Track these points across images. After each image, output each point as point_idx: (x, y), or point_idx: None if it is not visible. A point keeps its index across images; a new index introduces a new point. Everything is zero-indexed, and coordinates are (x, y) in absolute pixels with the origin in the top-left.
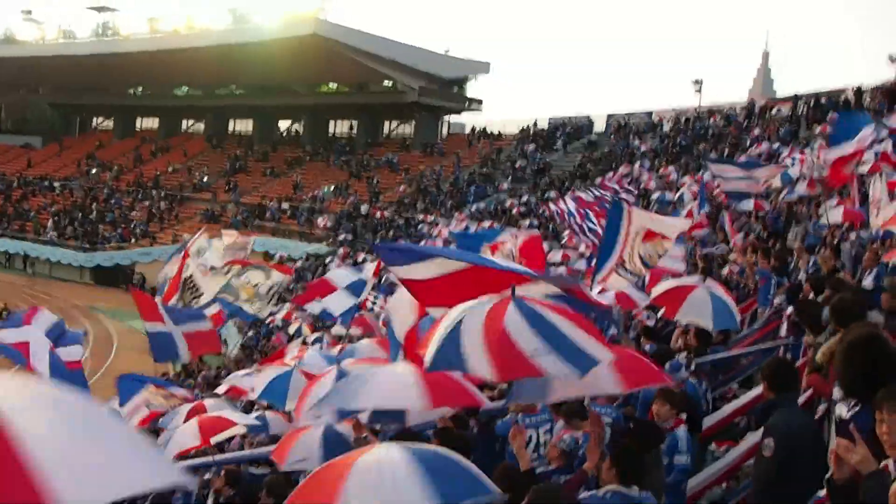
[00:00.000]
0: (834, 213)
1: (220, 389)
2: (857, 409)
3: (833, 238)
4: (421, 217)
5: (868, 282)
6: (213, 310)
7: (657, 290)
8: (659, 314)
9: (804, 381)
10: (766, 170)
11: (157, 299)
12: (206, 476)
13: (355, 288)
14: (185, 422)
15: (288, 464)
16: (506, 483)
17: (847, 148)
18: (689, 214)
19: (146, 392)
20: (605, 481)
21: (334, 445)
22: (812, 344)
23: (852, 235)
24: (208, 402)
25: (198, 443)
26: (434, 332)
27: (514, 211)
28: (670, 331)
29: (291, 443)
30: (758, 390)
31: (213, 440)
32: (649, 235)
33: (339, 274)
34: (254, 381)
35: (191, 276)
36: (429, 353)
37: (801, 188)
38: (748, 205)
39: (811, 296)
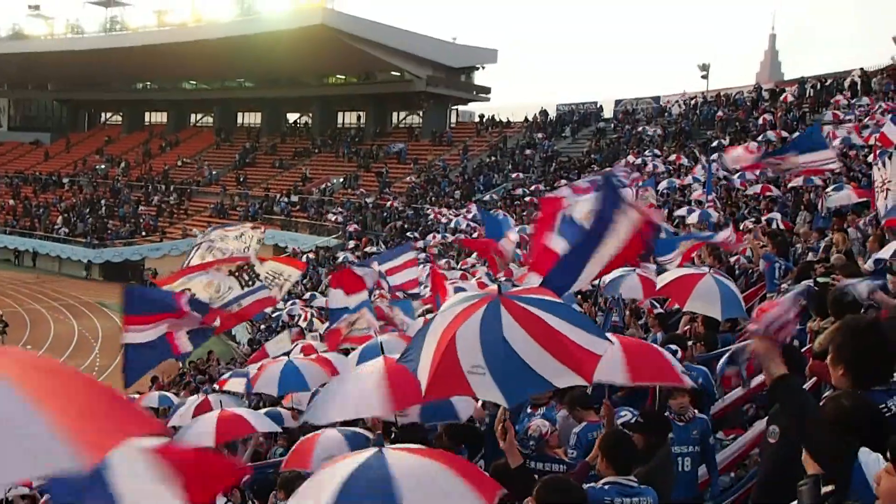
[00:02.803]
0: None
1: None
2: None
3: (844, 222)
4: (429, 208)
5: (869, 264)
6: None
7: (664, 279)
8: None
9: (807, 368)
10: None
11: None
12: None
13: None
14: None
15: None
16: (502, 479)
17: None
18: (698, 197)
19: None
20: (604, 473)
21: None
22: (816, 329)
23: (860, 220)
24: (212, 398)
25: (211, 443)
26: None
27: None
28: (678, 319)
29: (311, 447)
30: (762, 377)
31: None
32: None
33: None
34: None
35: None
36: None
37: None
38: (755, 188)
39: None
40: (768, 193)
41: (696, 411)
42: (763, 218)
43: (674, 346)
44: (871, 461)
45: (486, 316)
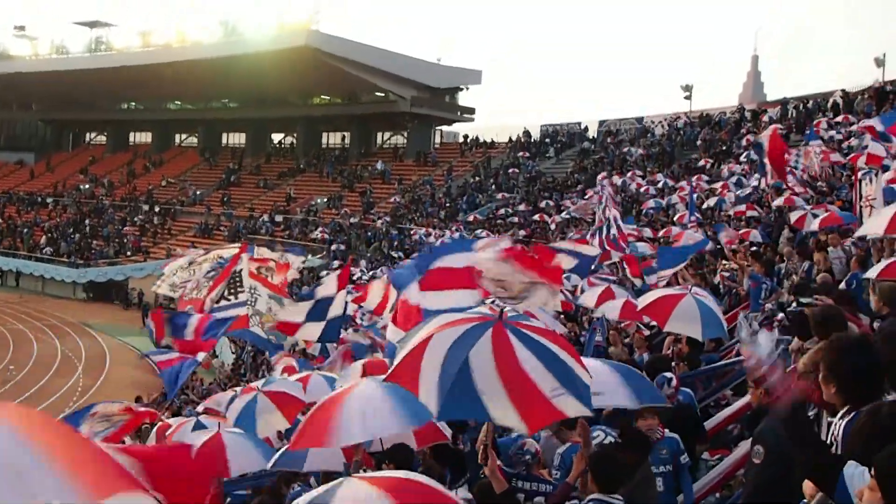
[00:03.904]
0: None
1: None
2: (851, 415)
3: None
4: (414, 228)
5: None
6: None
7: (644, 300)
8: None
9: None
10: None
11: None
12: None
13: (318, 312)
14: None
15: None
16: (487, 501)
17: None
18: (681, 219)
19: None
20: (589, 490)
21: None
22: (798, 350)
23: (846, 241)
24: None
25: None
26: (417, 363)
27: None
28: (662, 339)
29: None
30: (748, 397)
31: None
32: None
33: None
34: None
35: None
36: (433, 400)
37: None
38: (739, 208)
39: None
40: (751, 213)
41: (665, 431)
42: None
43: (668, 374)
44: (855, 474)
45: (523, 341)
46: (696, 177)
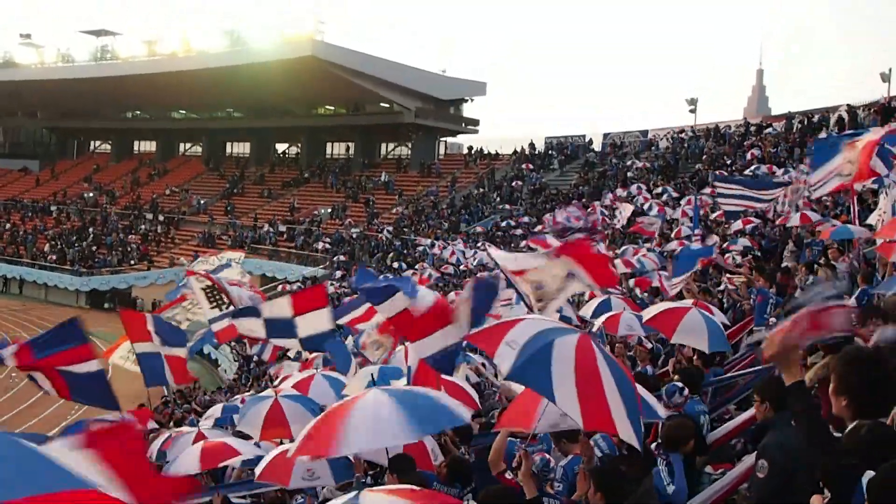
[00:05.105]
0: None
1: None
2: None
3: (830, 256)
4: (417, 239)
5: (852, 301)
6: (223, 324)
7: (649, 312)
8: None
9: None
10: (777, 191)
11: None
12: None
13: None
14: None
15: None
16: None
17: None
18: (678, 234)
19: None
20: None
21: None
22: (806, 364)
23: (844, 257)
24: (206, 430)
25: (197, 469)
26: (503, 332)
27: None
28: (665, 353)
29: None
30: (752, 411)
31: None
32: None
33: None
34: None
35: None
36: (508, 361)
37: (796, 219)
38: (737, 224)
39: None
40: (750, 225)
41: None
42: (731, 247)
43: (679, 384)
44: None
45: (606, 358)
46: (702, 191)
